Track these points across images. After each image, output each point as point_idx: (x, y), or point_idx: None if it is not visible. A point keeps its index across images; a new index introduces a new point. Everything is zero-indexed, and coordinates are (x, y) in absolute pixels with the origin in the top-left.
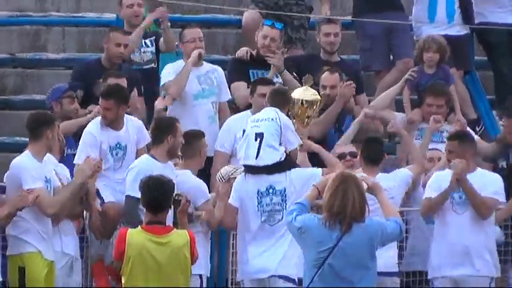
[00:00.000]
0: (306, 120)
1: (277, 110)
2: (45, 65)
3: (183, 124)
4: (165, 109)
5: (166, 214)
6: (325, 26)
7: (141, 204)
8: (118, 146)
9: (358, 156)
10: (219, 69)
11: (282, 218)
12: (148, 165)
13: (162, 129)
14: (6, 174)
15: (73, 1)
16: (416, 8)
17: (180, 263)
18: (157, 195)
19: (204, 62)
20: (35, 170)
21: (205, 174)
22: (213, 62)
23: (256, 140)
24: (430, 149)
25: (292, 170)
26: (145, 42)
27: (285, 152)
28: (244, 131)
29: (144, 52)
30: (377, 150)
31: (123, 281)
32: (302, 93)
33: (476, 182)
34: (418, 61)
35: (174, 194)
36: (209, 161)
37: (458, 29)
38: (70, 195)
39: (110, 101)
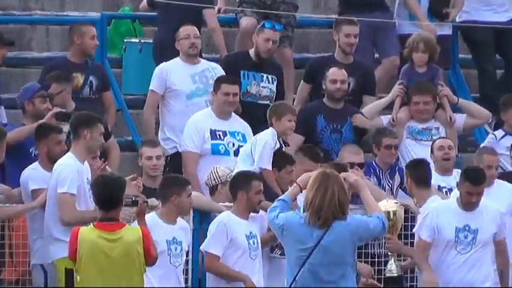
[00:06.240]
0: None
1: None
2: (30, 64)
3: (177, 123)
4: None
5: (118, 211)
6: (346, 27)
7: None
8: (174, 241)
9: (408, 180)
10: (218, 67)
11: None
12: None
13: (235, 186)
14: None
15: (57, 0)
16: (398, 4)
17: (133, 259)
18: (108, 192)
19: (202, 60)
20: (75, 174)
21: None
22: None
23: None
24: (440, 138)
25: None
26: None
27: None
28: (211, 130)
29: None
30: (426, 171)
31: (77, 279)
32: (386, 205)
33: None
34: (407, 59)
35: (132, 196)
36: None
37: (438, 29)
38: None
39: None
